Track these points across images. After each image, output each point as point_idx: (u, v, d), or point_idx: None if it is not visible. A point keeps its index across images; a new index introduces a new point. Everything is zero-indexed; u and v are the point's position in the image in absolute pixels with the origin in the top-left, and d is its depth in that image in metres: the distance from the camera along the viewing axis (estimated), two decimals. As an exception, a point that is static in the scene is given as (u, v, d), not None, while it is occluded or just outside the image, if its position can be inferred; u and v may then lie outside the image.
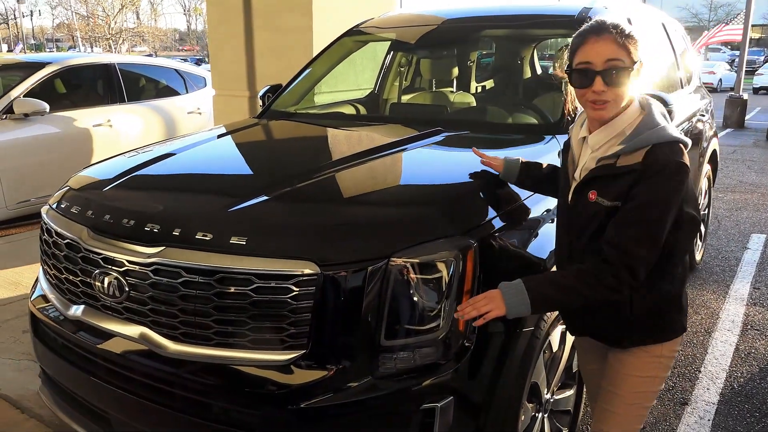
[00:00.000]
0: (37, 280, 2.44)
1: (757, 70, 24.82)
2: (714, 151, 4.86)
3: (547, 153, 2.37)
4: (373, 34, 3.86)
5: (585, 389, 2.21)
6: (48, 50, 54.01)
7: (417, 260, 1.71)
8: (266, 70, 5.45)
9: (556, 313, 2.01)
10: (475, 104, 3.56)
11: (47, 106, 5.48)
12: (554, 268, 1.94)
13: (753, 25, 15.61)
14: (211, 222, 1.84)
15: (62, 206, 2.21)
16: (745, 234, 5.65)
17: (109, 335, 1.94)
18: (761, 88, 23.56)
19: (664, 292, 1.67)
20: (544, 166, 2.06)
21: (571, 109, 2.55)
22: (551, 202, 2.08)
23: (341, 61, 3.78)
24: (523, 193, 2.10)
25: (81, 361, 2.04)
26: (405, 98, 4.00)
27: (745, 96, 13.87)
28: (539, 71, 4.15)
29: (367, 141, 2.76)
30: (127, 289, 1.87)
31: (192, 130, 5.85)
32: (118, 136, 6.09)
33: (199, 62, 30.81)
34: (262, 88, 3.71)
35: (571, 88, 1.67)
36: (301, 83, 3.63)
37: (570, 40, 1.66)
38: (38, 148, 5.53)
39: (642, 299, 1.65)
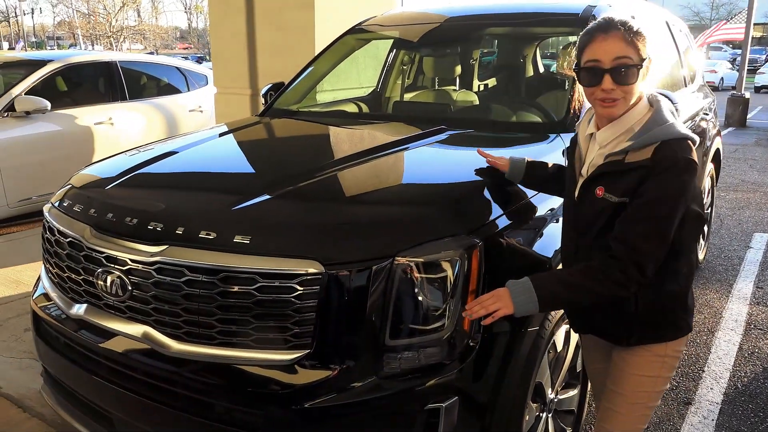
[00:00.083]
0: (39, 278, 2.43)
1: (758, 69, 24.81)
2: (717, 149, 4.85)
3: (551, 151, 2.35)
4: (375, 32, 3.84)
5: (591, 388, 2.20)
6: (49, 48, 54.09)
7: (422, 259, 1.69)
8: (268, 67, 5.43)
9: (561, 312, 2.00)
10: (478, 102, 3.55)
11: (49, 104, 5.48)
12: (560, 267, 1.93)
13: (755, 24, 15.56)
14: (215, 221, 1.83)
15: (64, 204, 2.20)
16: (748, 233, 5.64)
17: (111, 334, 1.93)
18: (763, 86, 23.54)
19: (669, 290, 1.66)
20: (550, 165, 2.05)
21: (576, 107, 2.54)
22: (556, 201, 2.06)
23: (344, 59, 3.77)
24: (528, 192, 2.09)
25: (83, 360, 2.02)
26: (408, 96, 3.98)
27: (747, 95, 13.84)
28: (542, 69, 4.13)
29: (370, 139, 2.75)
30: (129, 287, 1.86)
31: (193, 128, 5.84)
32: (119, 134, 6.08)
33: (200, 60, 30.83)
34: (264, 86, 3.70)
35: (579, 86, 1.66)
36: (304, 81, 3.62)
37: (574, 38, 1.65)
38: (40, 146, 5.52)
39: (647, 296, 1.64)
